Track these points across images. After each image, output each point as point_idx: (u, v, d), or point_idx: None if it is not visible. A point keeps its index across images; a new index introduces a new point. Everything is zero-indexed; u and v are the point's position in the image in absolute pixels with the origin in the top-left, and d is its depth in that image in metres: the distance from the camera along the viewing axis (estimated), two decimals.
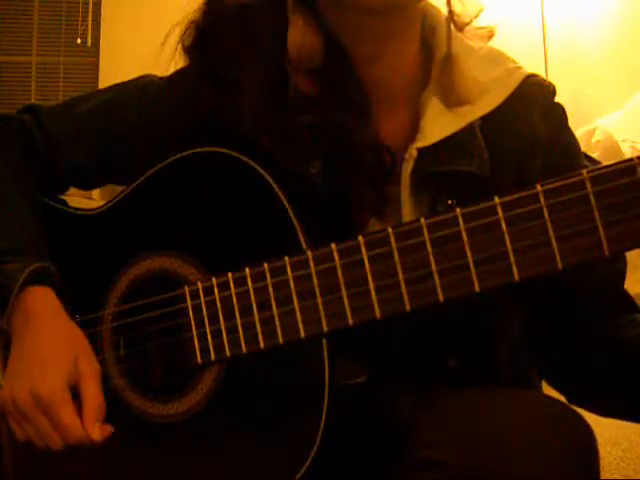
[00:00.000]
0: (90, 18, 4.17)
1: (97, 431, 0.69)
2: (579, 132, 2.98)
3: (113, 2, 4.19)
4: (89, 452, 0.72)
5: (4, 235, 0.78)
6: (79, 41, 4.19)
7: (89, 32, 4.18)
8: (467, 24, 0.76)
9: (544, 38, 4.09)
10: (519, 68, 0.79)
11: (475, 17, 0.76)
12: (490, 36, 0.80)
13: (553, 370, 0.82)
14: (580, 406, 0.77)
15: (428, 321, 0.69)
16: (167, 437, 0.73)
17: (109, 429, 0.70)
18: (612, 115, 3.44)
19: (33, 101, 4.12)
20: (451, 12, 0.76)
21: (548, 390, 0.82)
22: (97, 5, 4.21)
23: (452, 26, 0.76)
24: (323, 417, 0.65)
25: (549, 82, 0.81)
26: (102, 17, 4.21)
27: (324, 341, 0.66)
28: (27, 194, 0.82)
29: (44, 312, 0.73)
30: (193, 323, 0.70)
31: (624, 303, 0.78)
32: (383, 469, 0.68)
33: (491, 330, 0.78)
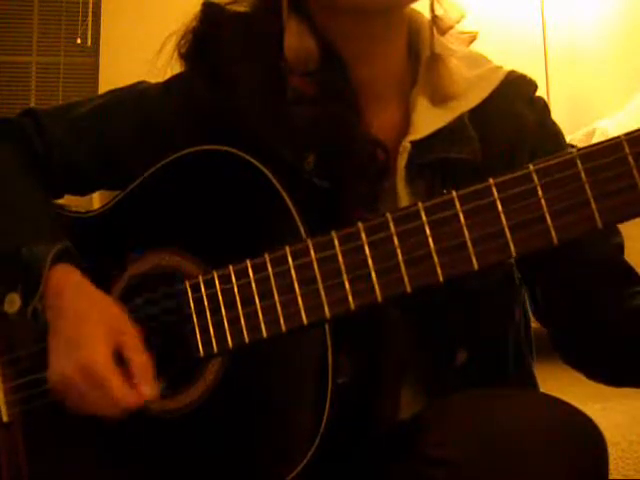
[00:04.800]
0: (90, 18, 4.18)
1: (149, 392, 0.68)
2: (579, 134, 2.96)
3: (113, 2, 4.19)
4: (90, 449, 0.71)
5: (22, 219, 0.79)
6: (79, 41, 4.19)
7: (89, 32, 4.18)
8: (450, 28, 0.80)
9: (544, 38, 4.09)
10: (500, 67, 0.83)
11: (457, 22, 0.80)
12: (471, 41, 0.84)
13: (568, 346, 0.84)
14: (596, 379, 0.81)
15: (438, 311, 0.72)
16: (167, 432, 0.73)
17: (159, 385, 0.70)
18: (612, 117, 3.44)
19: (33, 101, 4.13)
20: (434, 16, 0.80)
21: (547, 390, 0.82)
22: (97, 5, 4.21)
23: (435, 29, 0.80)
24: (326, 413, 0.65)
25: (530, 77, 0.85)
26: (102, 17, 4.21)
27: (328, 336, 0.66)
28: (34, 185, 0.83)
29: (74, 287, 0.73)
30: (194, 316, 0.70)
31: (628, 275, 0.80)
32: (383, 469, 0.68)
33: (501, 316, 0.81)
